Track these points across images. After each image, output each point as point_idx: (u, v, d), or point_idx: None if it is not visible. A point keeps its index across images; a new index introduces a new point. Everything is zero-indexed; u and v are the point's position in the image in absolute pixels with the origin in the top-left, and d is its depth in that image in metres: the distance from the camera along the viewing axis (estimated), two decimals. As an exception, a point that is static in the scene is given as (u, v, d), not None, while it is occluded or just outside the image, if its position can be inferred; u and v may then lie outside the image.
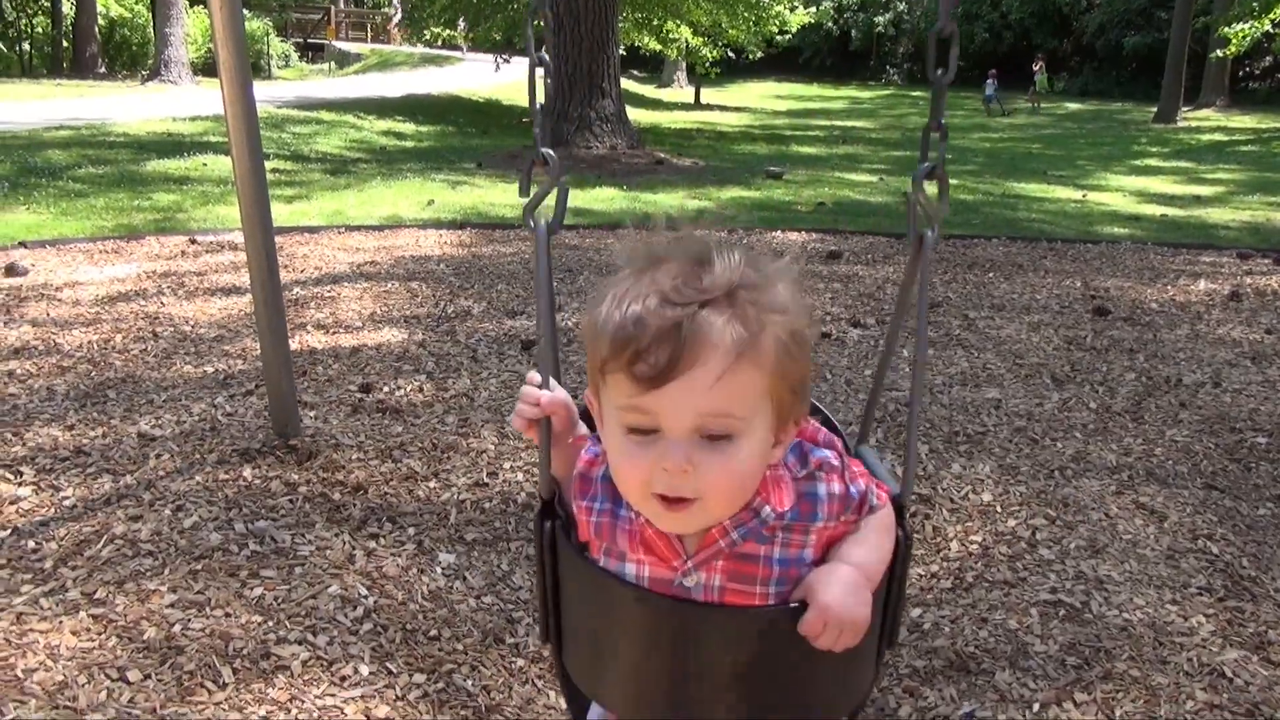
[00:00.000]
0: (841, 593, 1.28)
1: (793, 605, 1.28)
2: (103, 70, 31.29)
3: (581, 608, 1.38)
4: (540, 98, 1.52)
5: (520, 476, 3.89)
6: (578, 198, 11.11)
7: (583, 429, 1.47)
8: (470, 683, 2.73)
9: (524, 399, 1.39)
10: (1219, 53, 26.80)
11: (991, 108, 30.19)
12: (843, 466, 1.37)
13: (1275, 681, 2.67)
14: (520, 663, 2.91)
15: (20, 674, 2.52)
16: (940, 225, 1.45)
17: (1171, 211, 11.19)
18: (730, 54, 27.05)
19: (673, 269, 1.23)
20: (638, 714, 1.36)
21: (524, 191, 1.46)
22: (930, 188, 1.47)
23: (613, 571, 1.36)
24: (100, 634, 2.70)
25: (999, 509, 3.65)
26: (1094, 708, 2.55)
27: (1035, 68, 33.15)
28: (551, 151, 1.46)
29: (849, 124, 24.89)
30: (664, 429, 1.22)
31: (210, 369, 4.88)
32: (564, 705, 2.52)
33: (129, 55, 34.42)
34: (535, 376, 1.39)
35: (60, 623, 2.73)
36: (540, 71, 1.53)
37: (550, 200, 1.50)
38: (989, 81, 31.04)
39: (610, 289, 1.25)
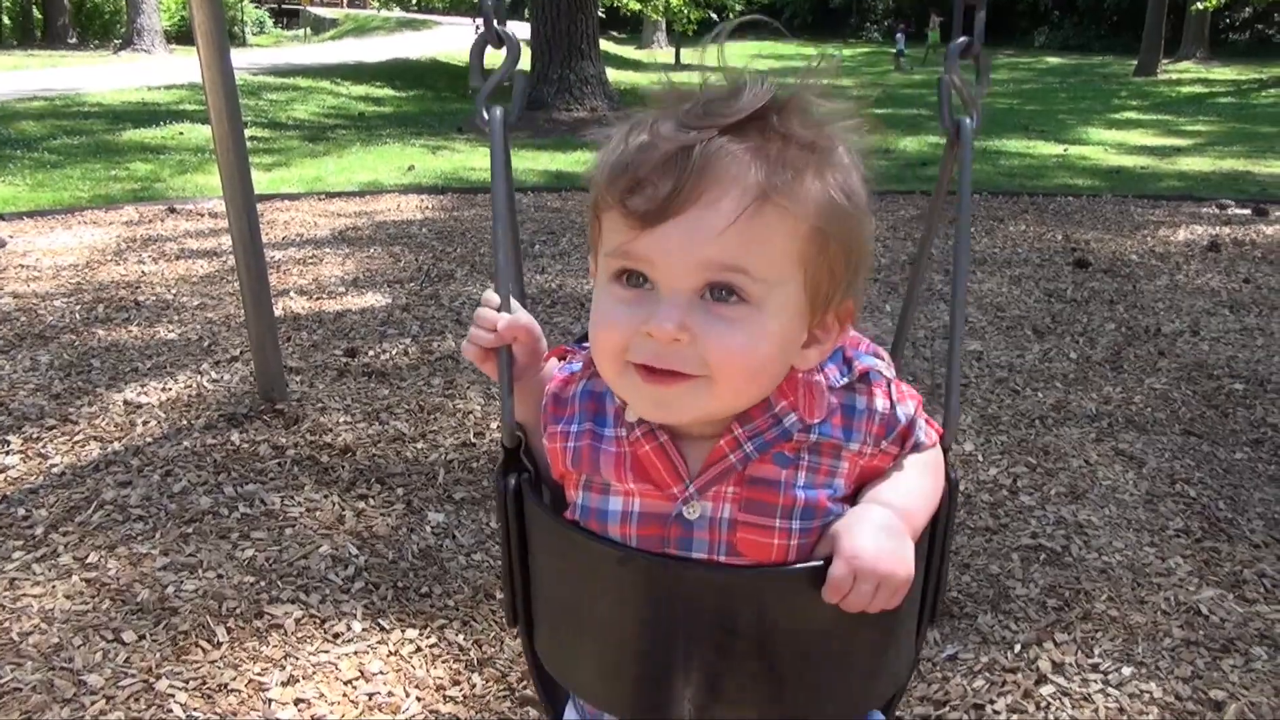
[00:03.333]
0: (876, 540, 0.98)
1: (815, 563, 0.99)
2: (74, 40, 30.86)
3: (555, 578, 1.10)
4: None
5: (507, 436, 3.91)
6: (558, 161, 11.08)
7: (552, 364, 1.18)
8: (462, 638, 2.77)
9: (478, 322, 1.12)
10: (1199, 5, 26.77)
11: (900, 63, 30.01)
12: (891, 382, 1.10)
13: (1250, 618, 2.73)
14: (511, 617, 2.95)
15: (15, 637, 2.54)
16: (980, 110, 1.26)
17: (1151, 164, 11.23)
18: (712, 15, 26.83)
19: (699, 96, 0.99)
20: (624, 709, 1.07)
21: (476, 78, 1.20)
22: (966, 75, 1.30)
23: (591, 513, 1.08)
24: (94, 597, 2.72)
25: (980, 458, 3.70)
26: (1074, 647, 2.60)
27: (930, 26, 32.69)
28: (508, 30, 1.19)
29: (828, 82, 24.71)
30: (657, 281, 0.95)
31: (194, 336, 4.87)
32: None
33: (101, 24, 33.98)
34: (492, 297, 1.12)
35: (53, 587, 2.75)
36: None
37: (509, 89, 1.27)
38: (899, 36, 30.82)
39: (626, 123, 1.01)
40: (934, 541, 1.11)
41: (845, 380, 1.07)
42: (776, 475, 1.03)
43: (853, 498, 1.06)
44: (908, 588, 0.99)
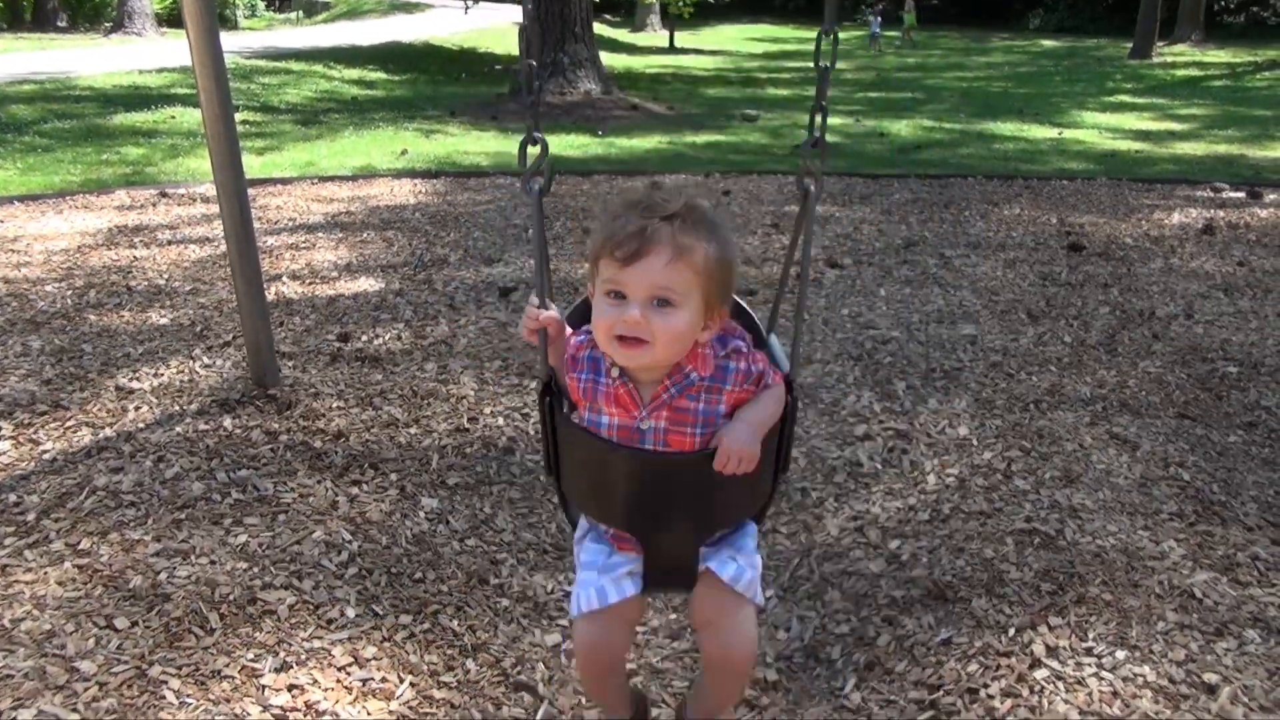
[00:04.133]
0: (738, 436, 1.81)
1: (708, 451, 1.82)
2: (64, 23, 30.64)
3: (571, 453, 1.93)
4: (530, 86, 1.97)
5: (500, 421, 3.90)
6: (552, 145, 11.01)
7: (568, 332, 1.96)
8: (456, 623, 2.77)
9: (527, 317, 1.92)
10: (1194, -13, 26.65)
11: (878, 45, 29.86)
12: (749, 352, 1.90)
13: (1244, 601, 2.73)
14: (505, 603, 2.94)
15: (7, 624, 2.53)
16: (821, 183, 1.91)
17: (1146, 147, 11.21)
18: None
19: (650, 198, 1.78)
20: (610, 522, 1.94)
21: (522, 164, 1.91)
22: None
23: (592, 423, 1.90)
24: (86, 583, 2.71)
25: (975, 442, 3.70)
26: (1068, 631, 2.60)
27: (905, 9, 32.52)
28: (542, 135, 1.92)
29: (822, 64, 24.62)
30: (629, 295, 1.76)
31: (186, 321, 4.85)
32: (546, 642, 2.70)
33: (91, 7, 33.68)
34: (535, 300, 1.92)
35: (45, 573, 2.74)
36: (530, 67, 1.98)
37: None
38: (874, 18, 30.72)
39: (608, 215, 1.82)
40: (781, 436, 1.92)
41: (723, 352, 1.87)
42: (687, 405, 1.84)
43: (729, 416, 1.86)
44: (756, 460, 1.82)
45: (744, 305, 2.02)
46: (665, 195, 1.79)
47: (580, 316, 1.99)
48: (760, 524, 2.06)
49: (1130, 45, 27.38)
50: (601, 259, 1.78)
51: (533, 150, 1.92)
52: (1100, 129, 12.85)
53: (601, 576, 1.93)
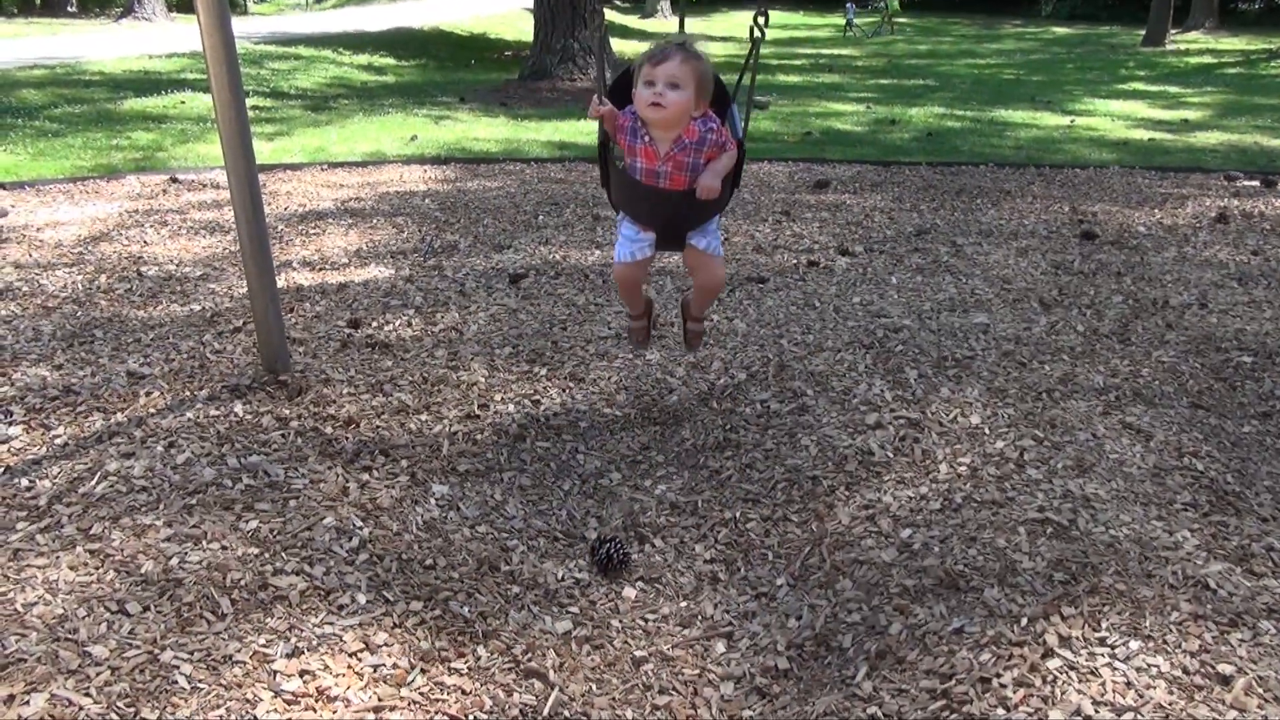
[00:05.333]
0: (709, 177, 3.12)
1: (694, 188, 3.13)
2: (74, 9, 30.63)
3: (617, 185, 3.30)
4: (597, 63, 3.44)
5: (511, 408, 3.90)
6: (561, 131, 11.01)
7: (618, 112, 3.17)
8: (467, 609, 2.77)
9: (592, 106, 3.15)
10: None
11: (854, 33, 29.64)
12: (719, 129, 3.14)
13: (1258, 592, 2.72)
14: (515, 589, 2.94)
15: (20, 608, 2.53)
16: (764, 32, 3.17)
17: (1159, 135, 11.13)
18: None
19: (667, 42, 3.12)
20: (638, 221, 3.30)
21: (598, 84, 3.33)
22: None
23: (630, 165, 3.20)
24: (98, 568, 2.71)
25: (987, 431, 3.68)
26: (1081, 621, 2.59)
27: None
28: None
29: (834, 52, 24.54)
30: (656, 80, 3.03)
31: (197, 307, 4.86)
32: (556, 629, 2.65)
33: (101, -8, 33.64)
34: (595, 99, 3.16)
35: (58, 558, 2.75)
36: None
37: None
38: (849, 5, 30.53)
39: (646, 53, 3.13)
40: (735, 174, 3.26)
41: (704, 129, 3.11)
42: (684, 158, 3.12)
43: (705, 166, 3.13)
44: (718, 192, 3.15)
45: (720, 80, 3.25)
46: (678, 37, 3.17)
47: (617, 86, 3.33)
48: (720, 213, 3.44)
49: (1143, 33, 27.20)
50: (644, 66, 3.07)
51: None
52: (1113, 117, 12.77)
53: (632, 244, 3.33)
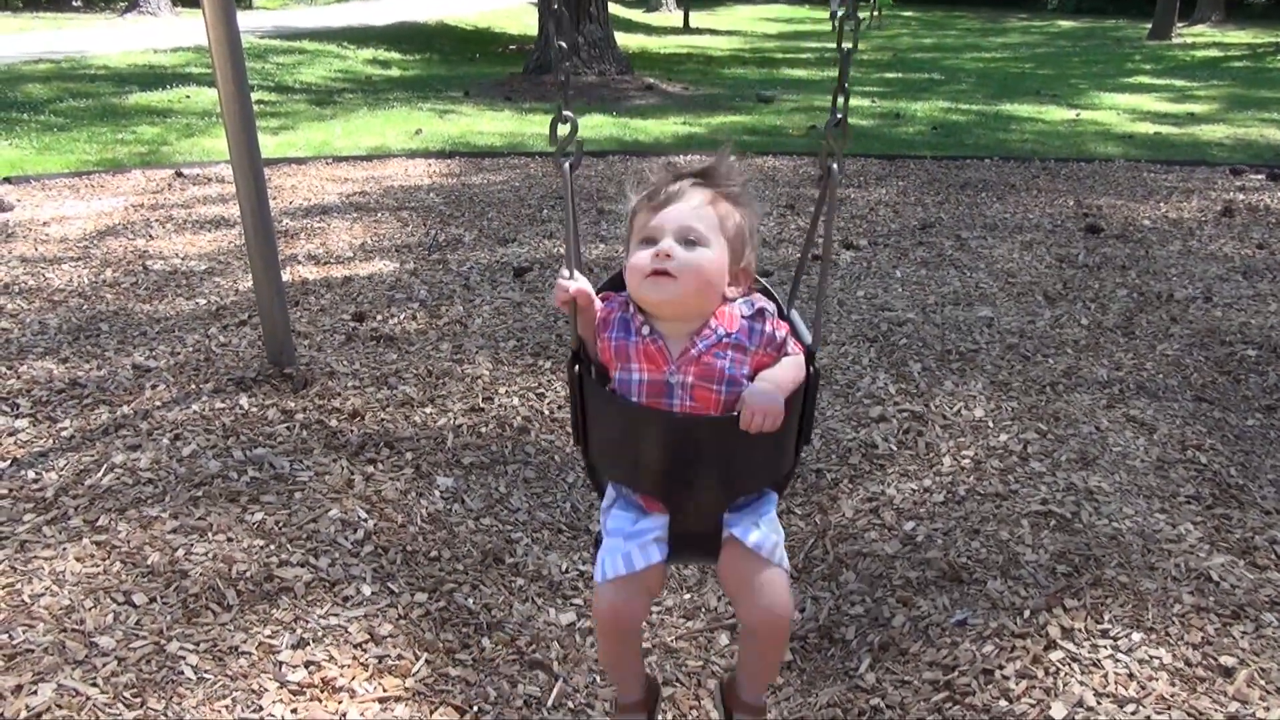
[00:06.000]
0: (763, 393, 1.85)
1: (734, 415, 1.85)
2: (79, 3, 30.65)
3: (600, 418, 1.96)
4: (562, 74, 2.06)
5: (515, 401, 3.91)
6: (567, 127, 10.98)
7: (597, 303, 1.98)
8: (471, 601, 2.78)
9: (558, 287, 1.94)
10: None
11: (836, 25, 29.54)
12: (773, 318, 1.97)
13: (1261, 584, 2.72)
14: (520, 581, 2.95)
15: (27, 599, 2.55)
16: (843, 162, 1.91)
17: (1165, 129, 11.11)
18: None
19: (680, 168, 2.02)
20: (638, 485, 1.96)
21: (553, 142, 1.99)
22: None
23: (623, 381, 1.92)
24: (104, 560, 2.73)
25: (991, 424, 3.68)
26: (1083, 613, 2.60)
27: None
28: (573, 115, 1.99)
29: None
30: (660, 235, 1.90)
31: (202, 301, 4.87)
32: (560, 620, 2.64)
33: (106, -14, 33.66)
34: (565, 272, 1.96)
35: (64, 550, 2.76)
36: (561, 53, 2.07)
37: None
38: None
39: (645, 183, 2.02)
40: (804, 406, 1.95)
41: (750, 313, 1.94)
42: (714, 361, 1.89)
43: (752, 378, 1.90)
44: (781, 418, 1.84)
45: (766, 285, 2.06)
46: (695, 160, 2.07)
47: (611, 288, 2.06)
48: (781, 494, 2.06)
49: (1149, 26, 27.14)
50: (638, 214, 1.98)
51: (563, 129, 1.99)
52: (1119, 110, 12.74)
53: (628, 543, 1.93)
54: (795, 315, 2.07)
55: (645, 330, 1.92)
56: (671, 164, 2.05)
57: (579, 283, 1.93)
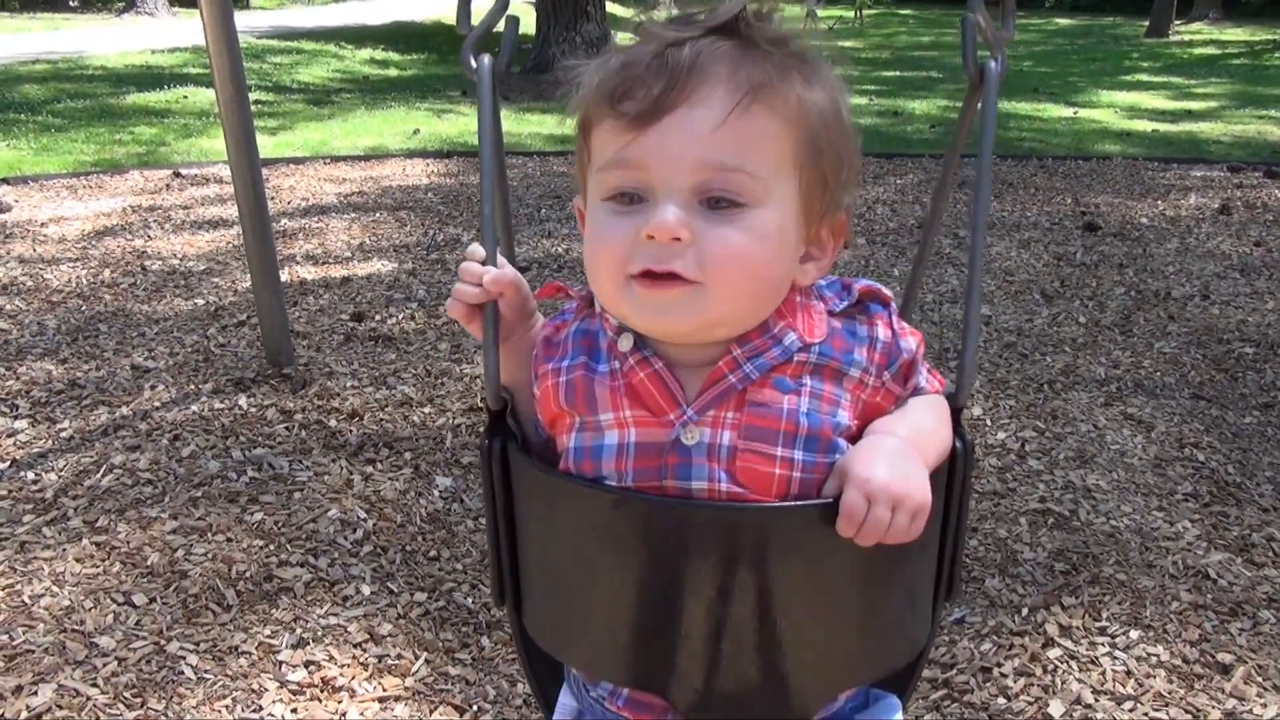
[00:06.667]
0: (889, 464, 0.93)
1: (826, 500, 0.94)
2: (76, 3, 30.64)
3: (545, 542, 1.04)
4: None
5: (514, 401, 3.91)
6: (565, 125, 10.99)
7: (539, 320, 1.16)
8: (471, 600, 2.78)
9: (463, 277, 1.07)
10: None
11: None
12: (893, 319, 1.07)
13: (1258, 581, 2.73)
14: (519, 581, 2.96)
15: (27, 600, 2.56)
16: (1004, 54, 1.18)
17: (1163, 127, 11.11)
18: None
19: (680, 15, 1.02)
20: (618, 672, 1.00)
21: (463, 25, 1.15)
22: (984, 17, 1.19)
23: (584, 450, 1.03)
24: (104, 560, 2.73)
25: (989, 422, 3.69)
26: (1081, 610, 2.61)
27: None
28: None
29: (837, 44, 24.48)
30: (655, 186, 0.95)
31: (201, 301, 4.87)
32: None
33: (102, -14, 33.65)
34: (477, 250, 1.07)
35: (64, 550, 2.77)
36: None
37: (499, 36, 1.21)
38: None
39: (606, 54, 1.02)
40: (949, 504, 1.04)
41: (845, 304, 1.06)
42: (778, 400, 0.99)
43: (857, 436, 1.01)
44: (926, 513, 0.94)
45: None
46: (716, 5, 1.00)
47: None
48: (906, 699, 1.17)
49: (1147, 24, 27.15)
50: (595, 129, 1.01)
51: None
52: (1116, 108, 12.75)
53: None
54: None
55: (627, 345, 1.05)
56: (662, 21, 1.03)
57: (503, 273, 1.08)
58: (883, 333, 1.05)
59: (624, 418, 1.02)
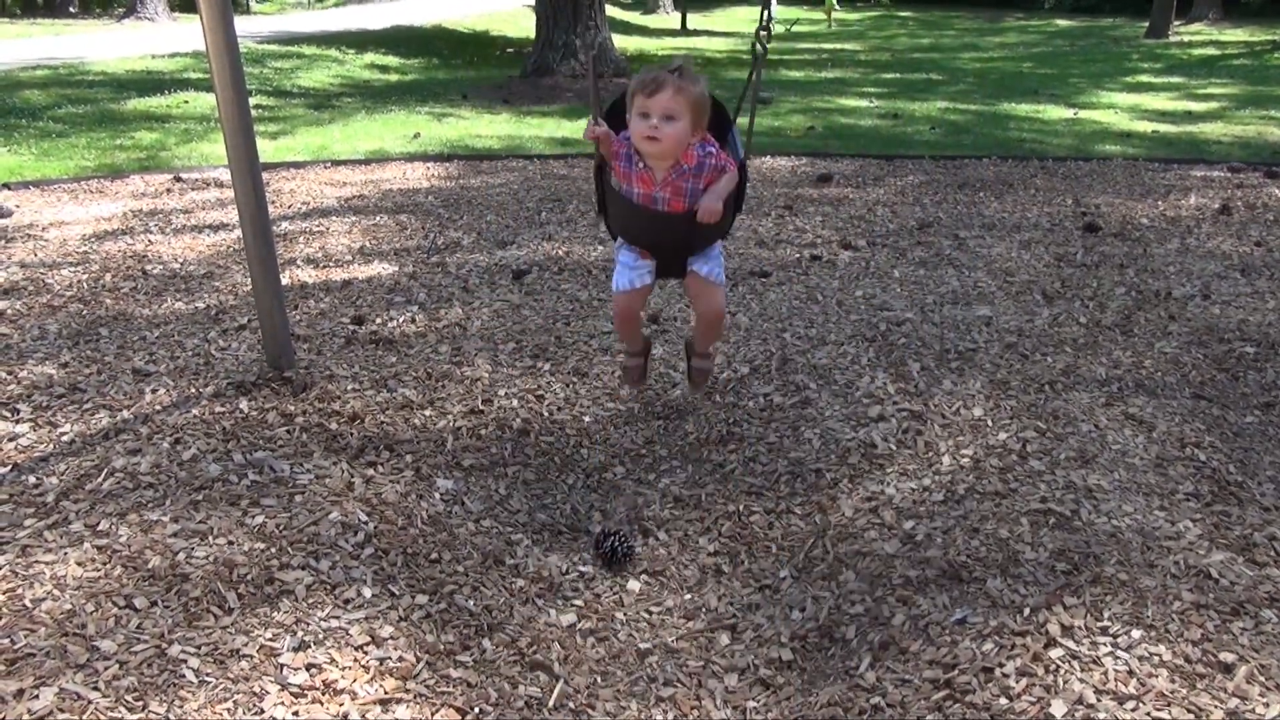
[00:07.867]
0: (710, 199, 3.08)
1: (693, 211, 3.10)
2: (76, 9, 30.68)
3: (614, 207, 3.34)
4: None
5: (515, 403, 3.91)
6: (564, 128, 11.02)
7: (615, 140, 3.18)
8: (472, 603, 2.78)
9: (587, 128, 3.15)
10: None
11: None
12: (717, 153, 3.15)
13: (1260, 581, 2.73)
14: (520, 583, 2.96)
15: (29, 603, 2.55)
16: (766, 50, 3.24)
17: (1163, 128, 11.12)
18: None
19: (661, 67, 3.05)
20: (638, 244, 3.32)
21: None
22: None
23: (626, 192, 3.21)
24: (105, 564, 2.73)
25: (990, 423, 3.69)
26: (1083, 610, 2.60)
27: None
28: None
29: (837, 47, 24.51)
30: (650, 113, 3.00)
31: (202, 305, 4.87)
32: (561, 622, 2.63)
33: (103, -8, 33.69)
34: (592, 119, 3.17)
35: (65, 554, 2.77)
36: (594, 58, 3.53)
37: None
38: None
39: (637, 79, 3.04)
40: (737, 197, 3.28)
41: (702, 153, 3.12)
42: (681, 183, 3.13)
43: (704, 191, 3.12)
44: (722, 213, 3.09)
45: (719, 103, 3.26)
46: (669, 63, 3.05)
47: (614, 116, 3.29)
48: (723, 238, 3.53)
49: (1147, 24, 27.16)
50: (636, 96, 3.02)
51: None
52: (1117, 109, 12.75)
53: (632, 271, 3.33)
54: (736, 132, 3.38)
55: (640, 164, 3.15)
56: (653, 67, 3.08)
57: (602, 128, 3.16)
58: (713, 160, 3.12)
59: (638, 184, 3.18)
